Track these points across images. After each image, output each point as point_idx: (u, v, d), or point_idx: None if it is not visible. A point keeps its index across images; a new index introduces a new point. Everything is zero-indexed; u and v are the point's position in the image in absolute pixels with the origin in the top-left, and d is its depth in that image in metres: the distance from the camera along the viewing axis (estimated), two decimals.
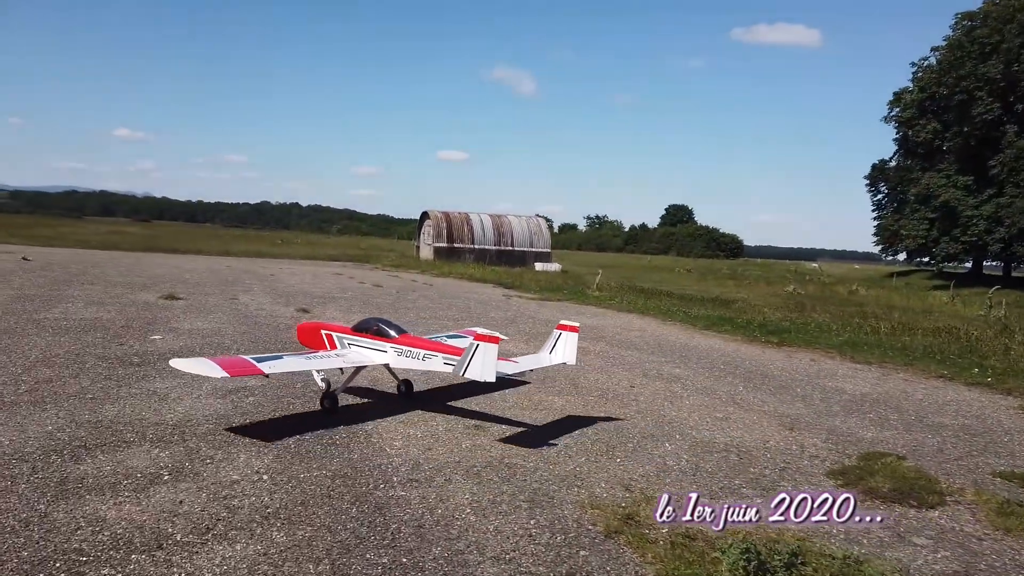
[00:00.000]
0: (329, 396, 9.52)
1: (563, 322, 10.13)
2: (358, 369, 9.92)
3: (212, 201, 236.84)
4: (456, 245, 64.61)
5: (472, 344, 8.48)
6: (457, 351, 9.10)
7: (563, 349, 9.95)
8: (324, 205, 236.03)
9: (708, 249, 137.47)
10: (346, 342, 9.98)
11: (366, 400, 10.50)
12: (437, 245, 64.18)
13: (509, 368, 9.33)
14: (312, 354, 9.84)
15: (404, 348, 9.58)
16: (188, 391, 10.01)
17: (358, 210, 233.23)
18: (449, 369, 9.03)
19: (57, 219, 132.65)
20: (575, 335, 9.89)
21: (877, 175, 70.09)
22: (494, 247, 66.00)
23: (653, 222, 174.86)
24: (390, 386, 11.13)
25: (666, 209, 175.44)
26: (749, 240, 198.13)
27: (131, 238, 63.57)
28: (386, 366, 10.03)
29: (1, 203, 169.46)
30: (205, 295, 22.44)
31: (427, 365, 9.39)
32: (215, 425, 8.50)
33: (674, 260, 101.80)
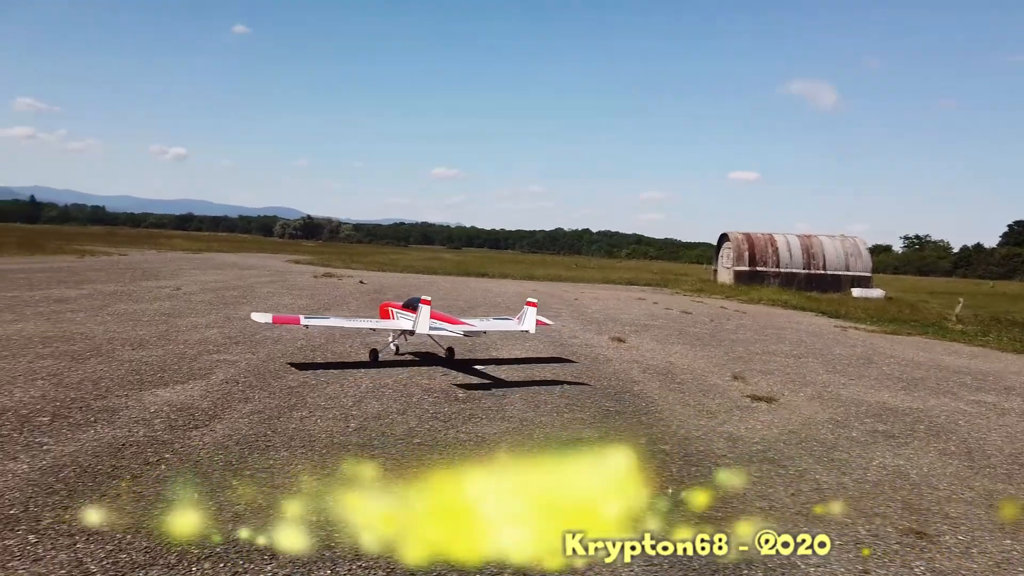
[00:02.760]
0: (372, 352, 13.17)
1: (529, 299, 13.35)
2: (399, 332, 13.34)
3: (512, 229, 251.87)
4: (759, 268, 59.36)
5: (420, 307, 12.03)
6: (455, 321, 13.11)
7: (527, 320, 12.97)
8: (613, 231, 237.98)
9: None
10: (397, 314, 13.54)
11: (411, 357, 13.81)
12: (737, 268, 59.61)
13: (459, 329, 12.45)
14: (353, 318, 16.54)
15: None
16: (512, 435, 8.54)
17: (645, 234, 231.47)
18: (441, 332, 12.50)
19: (388, 247, 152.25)
20: (535, 308, 13.00)
21: None
22: (803, 271, 59.38)
23: (991, 241, 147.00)
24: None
25: (1009, 226, 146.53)
26: None
27: (446, 263, 68.99)
28: (413, 333, 12.66)
29: (347, 235, 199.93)
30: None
31: (423, 329, 12.23)
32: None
33: None
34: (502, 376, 12.52)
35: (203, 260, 50.03)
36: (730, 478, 7.52)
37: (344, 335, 16.29)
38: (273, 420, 8.64)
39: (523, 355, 15.01)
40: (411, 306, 13.02)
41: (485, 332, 14.16)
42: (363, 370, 12.18)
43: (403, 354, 13.78)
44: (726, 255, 62.71)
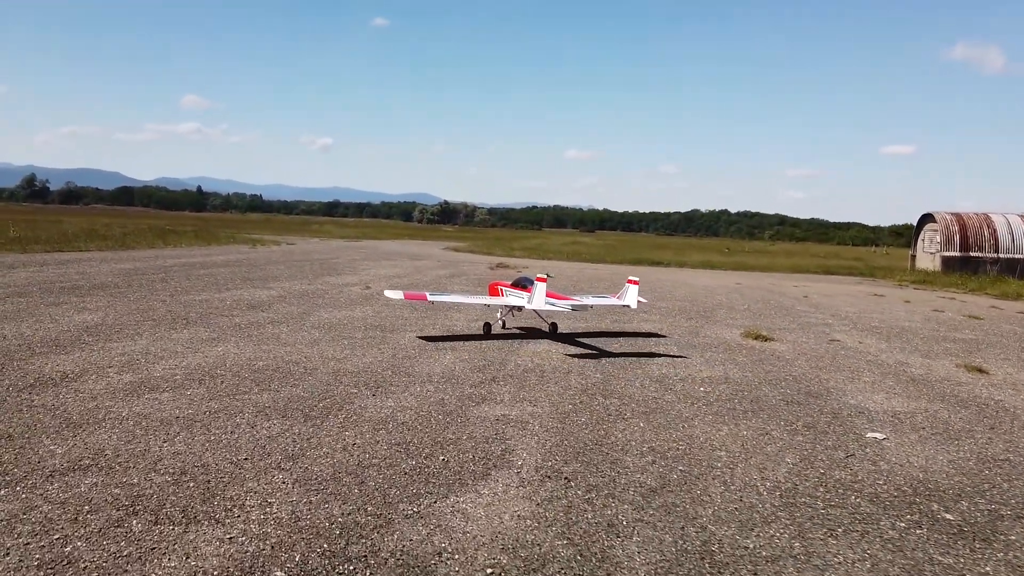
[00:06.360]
0: (486, 325, 14.31)
1: (631, 278, 14.46)
2: (507, 308, 14.57)
3: (646, 211, 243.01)
4: (972, 254, 51.30)
5: (535, 283, 13.15)
6: (562, 297, 14.17)
7: (628, 296, 13.93)
8: (753, 211, 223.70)
9: None
10: (507, 292, 14.59)
11: (517, 331, 14.92)
12: (946, 254, 51.79)
13: (567, 304, 13.44)
14: (471, 295, 17.77)
15: (528, 295, 13.52)
16: None
17: (788, 214, 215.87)
18: (553, 308, 13.28)
19: (523, 231, 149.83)
20: (636, 287, 13.91)
21: None
22: None
23: None
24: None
25: None
26: None
27: (593, 248, 64.45)
28: (521, 309, 14.23)
29: (481, 219, 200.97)
30: (782, 330, 17.04)
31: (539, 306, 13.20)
32: None
33: None
34: (900, 463, 7.86)
35: (366, 249, 48.24)
36: None
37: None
38: None
39: (890, 402, 10.17)
40: (519, 285, 14.36)
41: (591, 306, 15.95)
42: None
43: (509, 328, 14.92)
44: (929, 238, 54.77)
